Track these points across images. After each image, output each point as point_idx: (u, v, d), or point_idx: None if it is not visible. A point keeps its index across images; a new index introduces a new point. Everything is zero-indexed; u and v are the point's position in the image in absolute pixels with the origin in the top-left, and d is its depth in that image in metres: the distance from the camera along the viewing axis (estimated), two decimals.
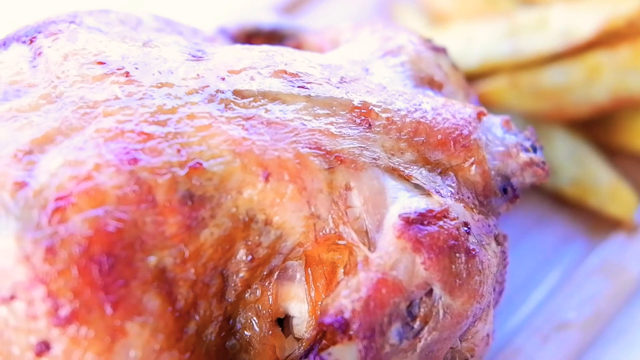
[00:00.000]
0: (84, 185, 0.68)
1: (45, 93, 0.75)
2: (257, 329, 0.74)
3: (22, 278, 0.66)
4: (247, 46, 0.84)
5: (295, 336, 0.77)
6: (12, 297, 0.66)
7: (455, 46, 1.15)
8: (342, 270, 0.74)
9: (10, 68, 0.77)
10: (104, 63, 0.77)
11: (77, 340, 0.66)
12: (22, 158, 0.69)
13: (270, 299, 0.74)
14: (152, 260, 0.69)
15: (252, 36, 1.01)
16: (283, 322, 0.78)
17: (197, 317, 0.71)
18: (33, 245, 0.66)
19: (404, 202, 0.75)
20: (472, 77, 1.12)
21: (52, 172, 0.69)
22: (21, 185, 0.68)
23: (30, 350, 0.66)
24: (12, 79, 0.76)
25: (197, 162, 0.71)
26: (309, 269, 0.75)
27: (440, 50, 0.91)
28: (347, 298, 0.71)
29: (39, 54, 0.78)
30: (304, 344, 0.75)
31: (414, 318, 0.73)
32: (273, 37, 1.00)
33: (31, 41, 0.79)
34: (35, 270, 0.66)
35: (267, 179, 0.72)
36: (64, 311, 0.66)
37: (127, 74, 0.76)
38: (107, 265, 0.67)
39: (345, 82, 0.81)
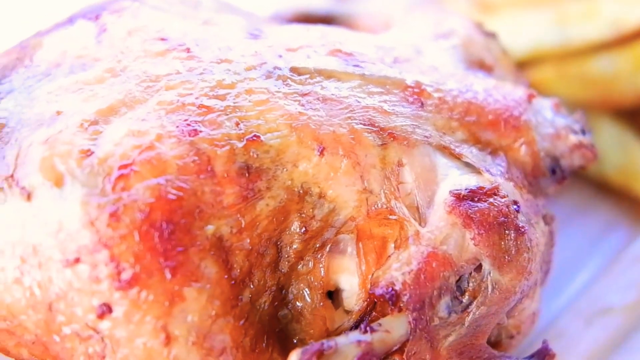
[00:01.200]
0: (146, 154, 0.70)
1: (110, 67, 0.77)
2: (309, 300, 0.76)
3: (86, 242, 0.68)
4: (303, 26, 0.87)
5: (345, 309, 0.78)
6: (77, 260, 0.69)
7: (503, 34, 1.15)
8: (393, 244, 0.76)
9: (77, 43, 0.80)
10: (166, 39, 0.80)
11: (138, 303, 0.69)
12: (87, 128, 0.72)
13: (322, 271, 0.76)
14: (210, 228, 0.71)
15: (305, 21, 1.03)
16: (332, 295, 0.80)
17: (251, 286, 0.73)
18: (98, 210, 0.69)
19: (455, 179, 0.77)
20: (519, 66, 1.13)
21: (116, 141, 0.71)
22: (87, 153, 0.71)
23: (93, 312, 0.69)
24: (78, 53, 0.79)
25: (255, 135, 0.73)
26: (360, 243, 0.76)
27: (490, 35, 0.93)
28: (398, 271, 0.73)
29: (104, 30, 0.81)
30: (353, 316, 0.77)
31: (463, 292, 0.74)
32: (326, 21, 1.02)
33: (96, 17, 0.82)
34: (99, 235, 0.68)
35: (322, 153, 0.74)
36: (126, 275, 0.68)
37: (188, 49, 0.79)
38: (167, 232, 0.69)
39: (398, 62, 0.83)
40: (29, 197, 0.70)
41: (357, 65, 0.80)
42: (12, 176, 0.71)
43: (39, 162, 0.70)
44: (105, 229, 0.68)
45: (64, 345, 0.71)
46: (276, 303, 0.75)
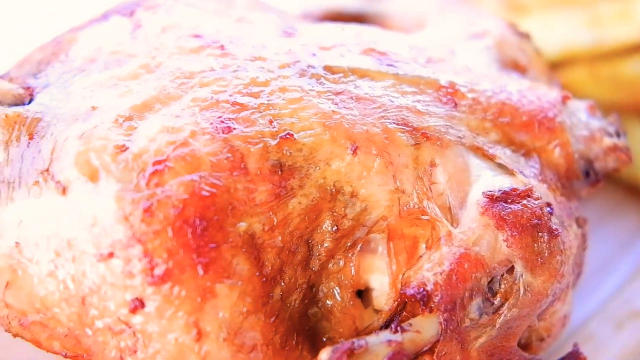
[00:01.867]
0: (180, 150, 0.71)
1: (145, 63, 0.78)
2: (339, 298, 0.76)
3: (120, 237, 0.69)
4: (336, 25, 0.87)
5: (375, 308, 0.78)
6: (110, 255, 0.69)
7: (534, 35, 1.15)
8: (424, 245, 0.76)
9: (111, 39, 0.81)
10: (200, 36, 0.80)
11: (170, 299, 0.69)
12: (122, 123, 0.73)
13: (353, 270, 0.76)
14: (242, 225, 0.71)
15: (336, 19, 1.03)
16: (362, 294, 0.80)
17: (282, 284, 0.73)
18: (132, 205, 0.69)
19: (488, 180, 0.76)
20: (550, 67, 1.13)
21: (151, 137, 0.71)
22: (122, 148, 0.71)
23: (125, 307, 0.69)
24: (113, 49, 0.80)
25: (288, 133, 0.73)
26: (391, 243, 0.76)
27: (524, 36, 0.92)
28: (429, 271, 0.73)
29: (139, 26, 0.81)
30: (383, 315, 0.77)
31: (494, 294, 0.74)
32: (357, 20, 1.02)
33: (131, 14, 0.83)
34: (133, 230, 0.69)
35: (355, 152, 0.74)
36: (159, 270, 0.69)
37: (222, 47, 0.79)
38: (200, 228, 0.69)
39: (432, 62, 0.82)
40: (64, 191, 0.71)
41: (390, 65, 0.80)
42: (47, 170, 0.72)
43: (75, 156, 0.71)
44: (139, 224, 0.69)
45: (96, 338, 0.71)
46: (306, 301, 0.76)
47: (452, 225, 0.75)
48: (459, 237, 0.74)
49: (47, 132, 0.74)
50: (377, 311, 0.79)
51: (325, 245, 0.75)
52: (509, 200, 0.75)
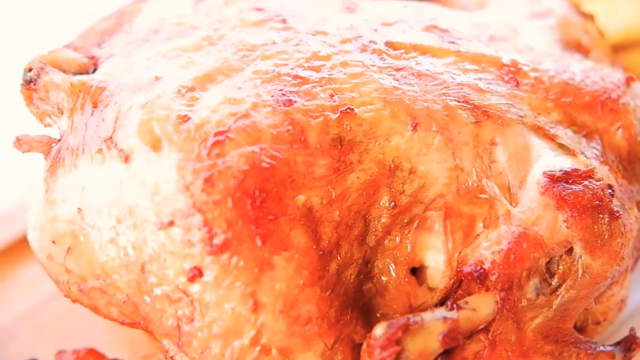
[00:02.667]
0: (242, 122, 0.71)
1: (207, 35, 0.78)
2: (394, 275, 0.76)
3: (181, 205, 0.70)
4: (398, 1, 0.86)
5: (429, 286, 0.78)
6: (171, 223, 0.70)
7: (596, 16, 1.13)
8: (481, 224, 0.75)
9: (175, 11, 0.81)
10: (262, 9, 0.80)
11: (228, 269, 0.70)
12: (185, 94, 0.73)
13: (409, 247, 0.76)
14: (301, 198, 0.71)
15: None
16: (416, 272, 0.80)
17: (338, 258, 0.73)
18: (193, 175, 0.70)
19: (549, 160, 0.76)
20: (613, 49, 1.11)
21: (213, 108, 0.72)
22: (184, 118, 0.72)
23: (184, 275, 0.70)
24: (176, 20, 0.81)
25: (349, 108, 0.73)
26: (447, 221, 0.76)
27: (588, 17, 0.91)
28: (487, 249, 0.72)
29: None
30: (437, 293, 0.76)
31: (552, 275, 0.73)
32: None
33: None
34: (193, 199, 0.69)
35: (415, 128, 0.74)
36: (218, 240, 0.69)
37: (284, 20, 0.79)
38: (259, 200, 0.70)
39: (494, 40, 0.82)
40: (126, 159, 0.72)
41: (452, 42, 0.80)
42: (111, 138, 0.73)
43: (138, 125, 0.72)
44: (200, 193, 0.69)
45: (154, 306, 0.72)
46: (361, 276, 0.76)
47: (511, 204, 0.74)
48: (518, 217, 0.73)
49: (110, 101, 0.75)
50: (431, 289, 0.78)
51: (382, 221, 0.75)
52: (570, 181, 0.74)
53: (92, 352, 0.78)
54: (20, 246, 0.98)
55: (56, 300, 0.91)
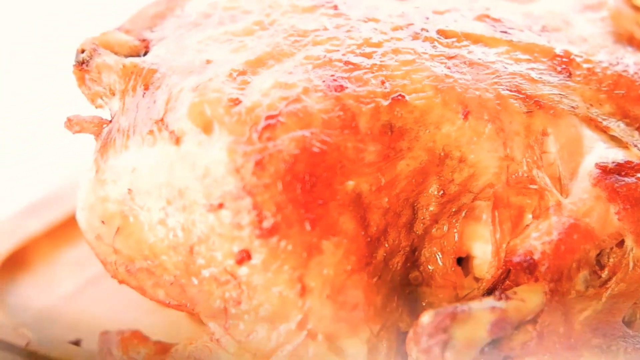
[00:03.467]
0: (293, 106, 0.71)
1: (259, 20, 0.79)
2: (441, 264, 0.76)
3: (231, 188, 0.70)
4: None
5: (475, 276, 0.78)
6: (220, 206, 0.70)
7: None
8: (530, 215, 0.75)
9: None
10: None
11: (276, 252, 0.70)
12: (236, 77, 0.73)
13: (456, 237, 0.76)
14: (350, 184, 0.71)
15: None
16: (461, 262, 0.79)
17: (386, 245, 0.73)
18: (243, 158, 0.70)
19: (601, 152, 0.75)
20: None
21: (264, 92, 0.72)
22: (235, 102, 0.72)
23: (232, 258, 0.70)
24: (227, 5, 0.81)
25: (400, 95, 0.73)
26: (496, 211, 0.76)
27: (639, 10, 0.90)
28: (537, 240, 0.72)
29: None
30: (484, 284, 0.76)
31: (602, 267, 0.73)
32: None
33: None
34: (244, 182, 0.69)
35: (466, 116, 0.74)
36: (267, 223, 0.69)
37: (335, 7, 0.79)
38: (309, 184, 0.70)
39: (546, 30, 0.81)
40: (177, 141, 0.72)
41: (504, 32, 0.79)
42: (162, 120, 0.73)
43: (189, 108, 0.72)
44: (250, 176, 0.69)
45: (202, 288, 0.72)
46: (408, 264, 0.75)
47: (561, 195, 0.74)
48: (569, 208, 0.73)
49: (162, 83, 0.75)
50: (477, 280, 0.78)
51: (430, 209, 0.75)
52: (623, 173, 0.73)
53: (136, 333, 0.78)
54: (66, 227, 0.99)
55: (101, 282, 0.92)
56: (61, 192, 1.01)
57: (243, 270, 0.70)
